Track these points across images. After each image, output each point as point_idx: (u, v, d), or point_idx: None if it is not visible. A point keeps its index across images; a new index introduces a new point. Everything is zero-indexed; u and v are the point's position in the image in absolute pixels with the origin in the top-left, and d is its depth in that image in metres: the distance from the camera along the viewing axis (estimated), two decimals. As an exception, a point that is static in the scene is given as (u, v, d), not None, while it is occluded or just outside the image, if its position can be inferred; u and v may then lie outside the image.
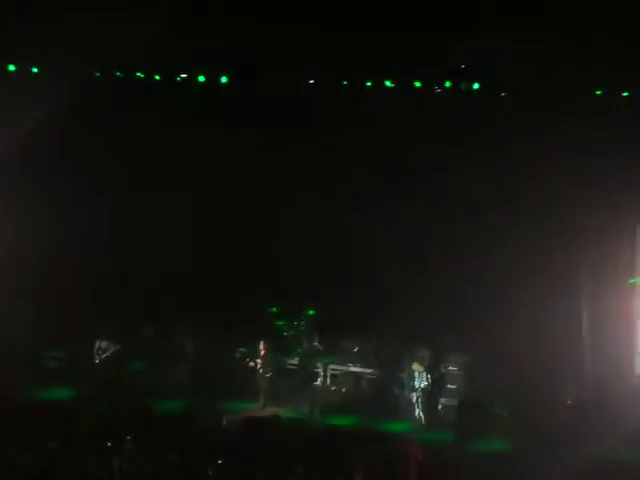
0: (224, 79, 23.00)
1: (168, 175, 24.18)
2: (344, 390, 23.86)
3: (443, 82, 22.06)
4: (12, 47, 22.13)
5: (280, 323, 24.76)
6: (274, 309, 24.88)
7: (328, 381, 24.18)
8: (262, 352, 22.89)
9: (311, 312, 24.69)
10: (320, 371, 24.22)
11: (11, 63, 22.76)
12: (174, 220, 24.13)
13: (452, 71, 21.74)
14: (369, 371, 23.76)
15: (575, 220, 21.18)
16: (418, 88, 22.09)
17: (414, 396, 21.99)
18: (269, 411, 21.90)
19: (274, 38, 21.15)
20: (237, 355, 23.81)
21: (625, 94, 20.70)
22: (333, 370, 24.15)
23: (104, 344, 23.20)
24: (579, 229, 21.25)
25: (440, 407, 22.26)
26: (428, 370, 22.08)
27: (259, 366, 22.84)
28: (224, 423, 20.76)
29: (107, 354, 23.12)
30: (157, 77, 23.18)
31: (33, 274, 23.63)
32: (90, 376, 22.91)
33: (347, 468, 17.35)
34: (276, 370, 23.51)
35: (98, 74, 23.09)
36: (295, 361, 24.29)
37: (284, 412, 21.85)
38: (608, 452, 18.55)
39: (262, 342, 22.93)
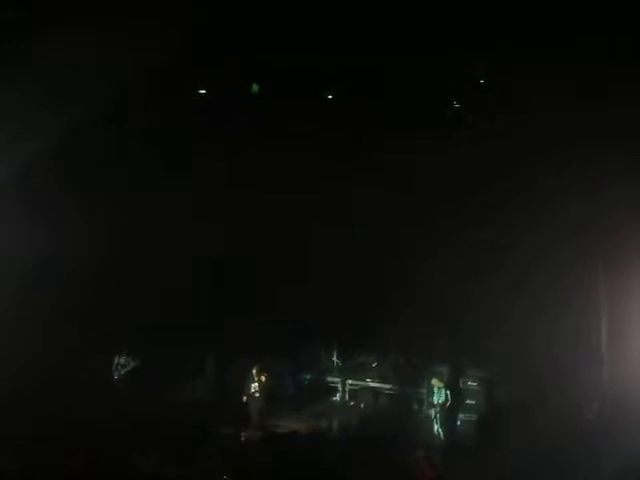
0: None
1: (188, 192, 24.25)
2: (362, 406, 23.86)
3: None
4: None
5: (299, 339, 24.75)
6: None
7: (347, 396, 24.19)
8: (256, 377, 22.48)
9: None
10: (339, 386, 24.23)
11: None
12: (194, 239, 24.17)
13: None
14: (388, 387, 23.74)
15: (594, 234, 21.03)
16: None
17: (433, 412, 21.94)
18: (287, 428, 21.88)
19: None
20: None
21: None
22: (352, 385, 24.17)
23: (123, 360, 23.26)
24: (598, 242, 21.10)
25: (459, 423, 22.17)
26: (447, 386, 22.03)
27: (253, 390, 22.52)
28: (243, 439, 20.78)
29: (126, 370, 23.18)
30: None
31: (50, 291, 23.63)
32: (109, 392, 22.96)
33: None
34: (294, 386, 23.55)
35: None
36: (314, 377, 24.31)
37: (302, 428, 21.83)
38: (629, 466, 18.34)
39: (256, 367, 22.58)
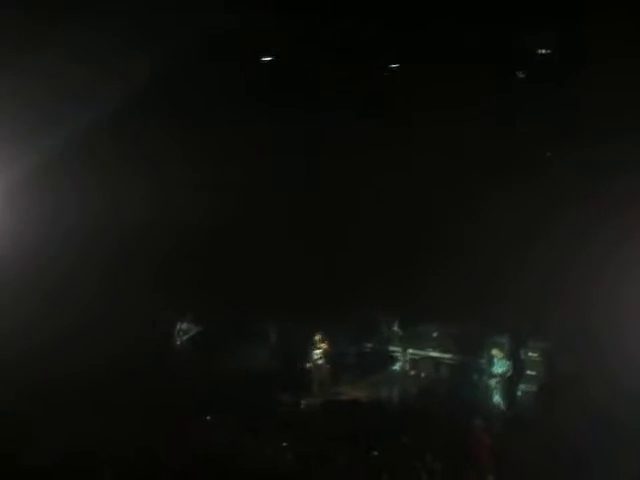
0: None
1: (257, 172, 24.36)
2: (423, 375, 23.89)
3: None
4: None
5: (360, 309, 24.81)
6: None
7: (407, 366, 24.24)
8: (318, 345, 22.65)
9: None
10: (399, 356, 24.30)
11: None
12: (262, 207, 24.31)
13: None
14: (448, 356, 23.74)
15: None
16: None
17: (493, 382, 21.86)
18: (348, 395, 22.03)
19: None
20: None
21: None
22: (412, 355, 24.19)
23: (185, 326, 23.50)
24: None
25: (519, 393, 22.11)
26: (508, 356, 21.94)
27: (315, 357, 22.66)
28: (303, 406, 20.97)
29: (188, 336, 23.43)
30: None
31: (116, 255, 23.90)
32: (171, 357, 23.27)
33: (423, 452, 17.43)
34: (356, 354, 23.67)
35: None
36: (375, 345, 24.39)
37: (363, 396, 21.97)
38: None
39: (318, 334, 22.71)
